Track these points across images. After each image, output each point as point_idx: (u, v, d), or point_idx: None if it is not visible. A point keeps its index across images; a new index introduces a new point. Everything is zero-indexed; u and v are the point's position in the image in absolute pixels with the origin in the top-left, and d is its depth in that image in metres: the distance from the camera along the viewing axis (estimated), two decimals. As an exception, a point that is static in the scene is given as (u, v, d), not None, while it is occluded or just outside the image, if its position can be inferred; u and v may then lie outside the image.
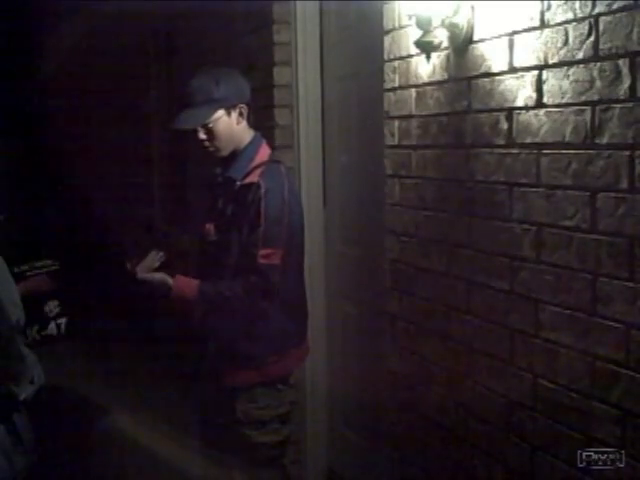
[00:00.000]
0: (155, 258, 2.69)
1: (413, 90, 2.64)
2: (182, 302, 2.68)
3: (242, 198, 2.64)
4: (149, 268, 2.70)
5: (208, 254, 2.78)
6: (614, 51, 1.83)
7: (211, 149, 2.71)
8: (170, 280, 2.68)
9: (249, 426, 2.71)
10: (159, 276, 2.69)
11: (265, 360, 2.69)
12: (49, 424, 4.24)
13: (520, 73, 2.14)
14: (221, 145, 2.70)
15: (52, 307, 2.49)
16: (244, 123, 2.72)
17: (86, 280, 2.76)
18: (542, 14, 2.05)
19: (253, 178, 2.65)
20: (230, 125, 2.68)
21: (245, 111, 2.70)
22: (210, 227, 2.77)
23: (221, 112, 2.66)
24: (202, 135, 2.68)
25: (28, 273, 2.54)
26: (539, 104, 2.08)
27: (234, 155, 2.73)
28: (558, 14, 2.00)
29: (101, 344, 5.78)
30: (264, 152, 2.76)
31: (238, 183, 2.67)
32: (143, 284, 2.68)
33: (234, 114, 2.68)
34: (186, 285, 2.67)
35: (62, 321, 2.50)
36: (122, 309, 5.44)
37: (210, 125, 2.65)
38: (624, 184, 1.83)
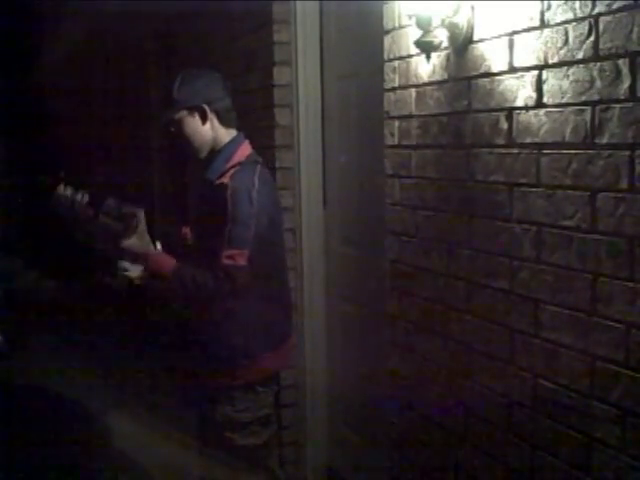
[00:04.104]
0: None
1: (413, 90, 2.64)
2: (157, 276, 2.64)
3: (214, 199, 2.60)
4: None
5: (187, 259, 2.69)
6: (614, 51, 1.83)
7: (187, 150, 2.71)
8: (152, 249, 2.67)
9: (230, 429, 2.68)
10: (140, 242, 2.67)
11: (237, 363, 2.65)
12: (41, 424, 4.25)
13: (520, 73, 2.14)
14: (193, 145, 2.69)
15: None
16: (214, 123, 2.68)
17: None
18: (542, 14, 2.05)
19: (225, 179, 2.60)
20: (195, 125, 2.67)
21: (208, 112, 2.66)
22: (186, 231, 2.75)
23: (184, 112, 2.66)
24: (173, 136, 2.70)
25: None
26: (539, 104, 2.08)
27: (212, 155, 2.70)
28: (558, 14, 2.00)
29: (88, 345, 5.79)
30: (242, 152, 2.71)
31: (213, 184, 2.63)
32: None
33: (197, 115, 2.67)
34: (165, 259, 2.65)
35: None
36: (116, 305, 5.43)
37: (173, 127, 2.67)
38: (624, 184, 1.83)
